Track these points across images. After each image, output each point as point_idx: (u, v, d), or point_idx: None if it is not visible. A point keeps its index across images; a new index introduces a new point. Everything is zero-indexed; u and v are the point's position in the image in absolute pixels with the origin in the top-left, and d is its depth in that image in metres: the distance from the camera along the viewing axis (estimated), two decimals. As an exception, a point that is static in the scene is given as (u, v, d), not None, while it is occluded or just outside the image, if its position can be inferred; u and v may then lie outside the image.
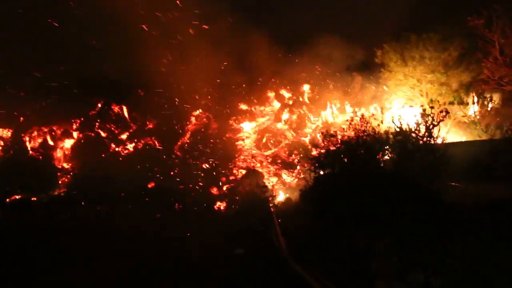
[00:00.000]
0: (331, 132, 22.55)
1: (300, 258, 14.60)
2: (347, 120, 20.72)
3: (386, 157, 18.56)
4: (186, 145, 35.88)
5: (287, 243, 16.56)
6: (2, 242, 18.33)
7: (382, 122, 18.65)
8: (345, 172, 17.65)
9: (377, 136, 17.88)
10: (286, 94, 40.96)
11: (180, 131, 37.00)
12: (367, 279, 12.49)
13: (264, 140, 36.24)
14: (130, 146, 36.55)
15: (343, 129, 26.32)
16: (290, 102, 40.05)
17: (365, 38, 39.60)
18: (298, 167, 33.42)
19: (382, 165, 17.97)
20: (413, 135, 16.99)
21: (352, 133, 19.21)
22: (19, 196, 33.27)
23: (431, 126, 16.82)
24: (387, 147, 18.15)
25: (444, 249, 12.14)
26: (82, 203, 30.35)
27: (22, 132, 38.18)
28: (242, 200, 27.64)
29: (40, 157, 37.34)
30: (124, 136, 37.32)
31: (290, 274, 13.36)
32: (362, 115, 19.31)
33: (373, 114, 21.83)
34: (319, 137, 35.99)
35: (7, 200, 32.83)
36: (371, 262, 13.01)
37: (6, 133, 38.82)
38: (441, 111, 17.96)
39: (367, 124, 18.33)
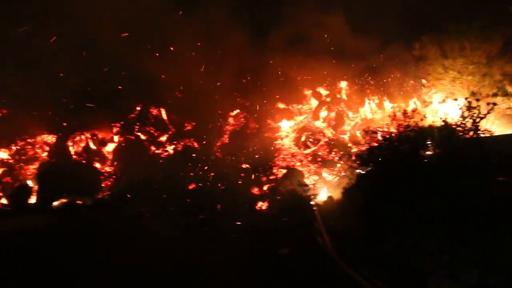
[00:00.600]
0: (371, 128, 22.27)
1: (346, 257, 14.44)
2: (389, 116, 20.36)
3: (429, 152, 18.17)
4: (225, 145, 36.00)
5: (332, 242, 16.39)
6: (49, 246, 18.67)
7: (425, 117, 18.23)
8: (389, 168, 17.33)
9: (421, 131, 17.48)
10: (323, 91, 40.61)
11: (219, 132, 37.15)
12: (417, 278, 12.25)
13: (303, 138, 36.00)
14: (170, 148, 36.91)
15: (384, 124, 26.01)
16: (328, 100, 39.68)
17: (402, 31, 39.04)
18: (339, 165, 33.05)
19: (426, 160, 17.57)
20: (459, 128, 16.56)
21: (394, 129, 18.88)
22: (65, 200, 34.04)
23: (477, 120, 16.36)
24: (431, 142, 17.77)
25: (496, 247, 11.79)
26: (124, 205, 30.75)
27: (65, 137, 39.06)
28: (283, 200, 27.50)
29: (84, 161, 38.19)
30: (163, 138, 37.73)
31: (337, 274, 13.20)
32: (405, 110, 18.96)
33: (416, 109, 21.38)
34: (358, 134, 35.63)
35: (53, 204, 33.66)
36: (421, 260, 12.75)
37: (51, 138, 39.83)
38: (488, 103, 17.42)
39: (410, 119, 17.95)
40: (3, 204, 33.93)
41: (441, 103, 28.87)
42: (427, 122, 18.37)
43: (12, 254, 16.89)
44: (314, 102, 39.97)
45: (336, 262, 14.27)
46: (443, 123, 17.25)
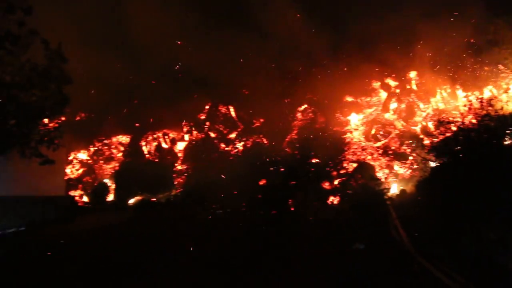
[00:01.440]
0: (445, 118, 21.42)
1: (424, 252, 14.04)
2: (465, 105, 19.50)
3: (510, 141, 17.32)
4: (294, 140, 35.96)
5: (408, 237, 15.99)
6: (125, 241, 19.31)
7: (507, 104, 17.30)
8: (467, 160, 16.64)
9: (501, 119, 16.64)
10: (392, 82, 39.60)
11: (287, 127, 37.15)
12: (500, 274, 11.74)
13: (373, 131, 35.35)
14: (239, 145, 37.33)
15: (457, 114, 24.93)
16: (397, 91, 38.67)
17: (474, 15, 37.36)
18: (411, 158, 32.18)
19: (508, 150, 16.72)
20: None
21: (470, 119, 18.09)
22: (140, 198, 35.24)
23: None
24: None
25: None
26: (196, 202, 31.37)
27: (139, 137, 40.44)
28: (355, 194, 27.10)
29: (156, 160, 39.40)
30: (232, 136, 38.21)
31: (416, 269, 12.86)
32: (482, 98, 18.12)
33: (495, 97, 20.37)
34: (431, 125, 34.51)
35: (129, 201, 34.93)
36: (505, 257, 12.20)
37: (125, 139, 41.37)
38: None
39: (488, 107, 17.11)
40: (84, 202, 35.67)
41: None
42: (507, 110, 17.41)
43: (93, 249, 17.65)
44: (383, 94, 39.08)
45: (414, 257, 13.91)
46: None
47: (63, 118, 20.27)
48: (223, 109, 39.47)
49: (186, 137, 39.84)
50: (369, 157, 33.41)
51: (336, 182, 31.09)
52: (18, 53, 15.55)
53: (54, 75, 16.45)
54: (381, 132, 35.09)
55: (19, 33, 14.92)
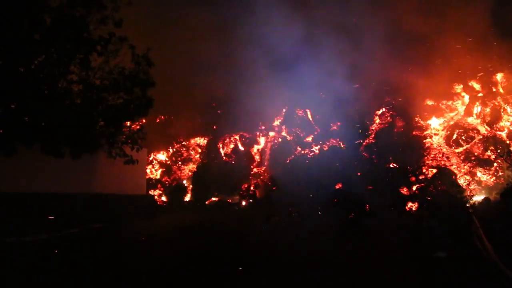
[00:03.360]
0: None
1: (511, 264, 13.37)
2: None
3: None
4: (371, 145, 35.36)
5: (493, 248, 15.29)
6: (203, 241, 19.74)
7: None
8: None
9: None
10: (475, 85, 37.94)
11: (365, 132, 36.59)
12: None
13: (454, 136, 34.05)
14: (316, 149, 37.20)
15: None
16: (481, 94, 36.99)
17: None
18: (496, 164, 30.74)
19: None
20: None
21: None
22: (216, 199, 36.00)
23: None
24: None
25: None
26: (272, 204, 31.60)
27: (216, 139, 41.27)
28: (435, 201, 26.30)
29: (233, 162, 40.04)
30: (309, 139, 38.13)
31: (504, 281, 12.28)
32: None
33: None
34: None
35: (207, 202, 35.76)
36: None
37: (203, 141, 42.39)
38: None
39: None
40: (163, 201, 36.91)
41: None
42: None
43: (173, 248, 18.20)
44: (465, 98, 37.52)
45: (501, 268, 13.27)
46: None
47: (144, 120, 21.17)
48: (300, 112, 39.49)
49: (263, 140, 40.21)
50: (449, 163, 32.22)
51: (414, 188, 30.26)
52: (107, 58, 16.43)
53: (140, 79, 17.19)
54: (463, 137, 33.71)
55: (109, 39, 15.76)
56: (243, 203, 34.22)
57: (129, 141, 19.33)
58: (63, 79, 15.24)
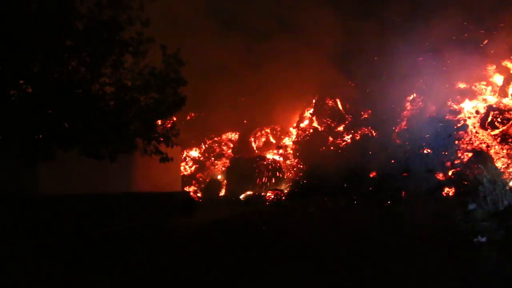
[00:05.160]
0: None
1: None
2: None
3: None
4: (404, 131, 34.97)
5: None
6: (239, 235, 19.94)
7: None
8: None
9: None
10: (510, 65, 37.01)
11: (396, 118, 36.23)
12: None
13: (489, 118, 33.34)
14: (348, 138, 37.03)
15: None
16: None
17: None
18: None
19: None
20: None
21: None
22: (251, 192, 36.24)
23: None
24: None
25: None
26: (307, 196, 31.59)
27: (247, 133, 41.50)
28: (472, 185, 25.85)
29: (265, 155, 40.24)
30: (340, 128, 37.99)
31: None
32: None
33: None
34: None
35: (241, 196, 36.03)
36: None
37: (234, 136, 42.70)
38: None
39: None
40: (198, 197, 37.39)
41: None
42: None
43: (211, 242, 18.47)
44: (499, 78, 36.66)
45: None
46: None
47: (174, 118, 21.41)
48: (330, 102, 39.34)
49: (294, 131, 40.24)
50: (486, 146, 31.61)
51: (450, 173, 29.84)
52: (138, 59, 16.65)
53: (171, 79, 17.37)
54: (499, 119, 32.99)
55: (139, 40, 15.97)
56: (277, 196, 34.29)
57: (162, 139, 19.56)
58: (96, 82, 15.52)
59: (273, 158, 39.16)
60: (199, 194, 38.43)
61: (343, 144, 36.78)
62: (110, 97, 16.93)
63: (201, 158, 42.50)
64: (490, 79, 36.79)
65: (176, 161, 25.45)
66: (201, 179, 40.62)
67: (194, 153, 42.76)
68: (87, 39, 14.91)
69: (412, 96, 37.27)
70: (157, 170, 23.33)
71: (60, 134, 14.60)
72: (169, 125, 20.20)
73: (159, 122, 19.85)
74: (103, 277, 12.77)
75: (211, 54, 40.71)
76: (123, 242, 18.67)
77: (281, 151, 40.24)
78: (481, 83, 36.58)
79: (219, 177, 40.30)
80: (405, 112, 36.74)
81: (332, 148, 36.69)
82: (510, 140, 31.17)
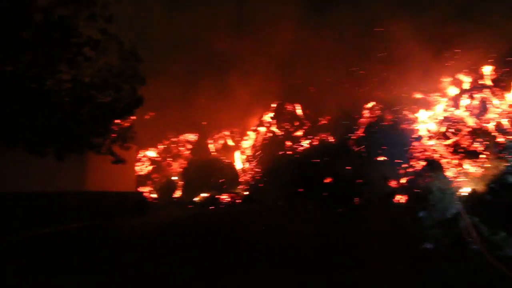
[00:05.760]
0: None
1: (499, 255, 13.60)
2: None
3: None
4: (360, 138, 35.57)
5: (481, 238, 15.51)
6: (193, 236, 19.81)
7: None
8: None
9: None
10: (464, 78, 38.19)
11: (354, 125, 36.82)
12: None
13: (442, 129, 34.28)
14: (305, 143, 37.36)
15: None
16: (468, 87, 37.23)
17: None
18: (483, 156, 31.01)
19: None
20: None
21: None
22: (207, 194, 36.02)
23: None
24: None
25: None
26: (263, 199, 31.71)
27: (205, 135, 41.34)
28: (423, 193, 26.48)
29: (223, 157, 40.15)
30: (299, 133, 38.30)
31: (490, 271, 12.49)
32: None
33: None
34: (505, 122, 33.15)
35: (196, 198, 35.78)
36: None
37: (192, 137, 42.45)
38: None
39: None
40: (153, 198, 36.95)
41: None
42: None
43: (163, 241, 18.27)
44: (454, 90, 37.76)
45: (487, 258, 13.48)
46: None
47: (133, 118, 21.06)
48: (289, 107, 39.62)
49: (253, 135, 40.32)
50: (438, 155, 32.48)
51: (403, 180, 30.52)
52: (97, 57, 16.32)
53: (128, 76, 17.11)
54: (451, 130, 33.96)
55: (98, 38, 15.66)
56: (233, 199, 34.26)
57: (118, 139, 19.21)
58: (51, 78, 15.11)
59: (230, 161, 39.14)
60: (154, 195, 37.98)
61: (300, 149, 37.09)
62: (65, 93, 16.52)
63: (158, 159, 42.06)
64: (445, 91, 37.83)
65: (131, 161, 25.16)
66: (156, 179, 40.20)
67: (151, 153, 42.27)
68: (44, 33, 14.51)
69: (370, 104, 37.93)
70: (112, 170, 22.88)
71: (5, 131, 14.10)
72: (127, 125, 19.89)
73: (117, 121, 19.50)
74: (39, 278, 12.39)
75: (172, 55, 40.50)
76: (66, 243, 18.12)
77: (239, 154, 40.28)
78: (436, 94, 37.57)
79: (175, 178, 39.94)
80: (363, 119, 37.34)
81: (289, 152, 36.91)
82: (460, 150, 32.09)
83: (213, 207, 30.75)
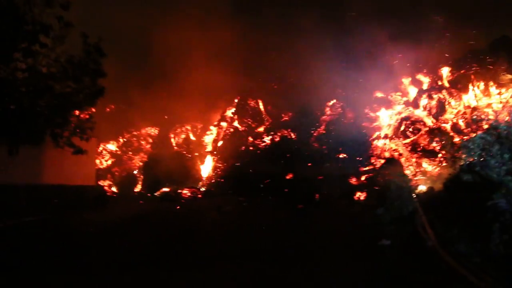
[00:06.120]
0: (476, 116, 21.14)
1: (451, 250, 13.96)
2: (500, 102, 19.20)
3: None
4: (322, 135, 35.90)
5: (435, 235, 15.89)
6: (151, 231, 19.62)
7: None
8: (498, 158, 16.41)
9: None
10: (423, 78, 39.07)
11: (316, 122, 37.13)
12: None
13: (402, 127, 34.95)
14: (267, 139, 37.46)
15: (490, 112, 24.45)
16: (425, 87, 38.13)
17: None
18: (440, 155, 31.78)
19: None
20: None
21: (505, 116, 17.82)
22: (167, 189, 35.69)
23: None
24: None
25: None
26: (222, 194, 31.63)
27: (167, 129, 40.94)
28: (382, 190, 26.94)
29: (184, 152, 39.84)
30: (261, 129, 38.37)
31: (442, 267, 12.81)
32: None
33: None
34: (461, 122, 34.02)
35: (157, 193, 35.43)
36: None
37: (154, 131, 41.97)
38: None
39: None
40: (113, 192, 36.38)
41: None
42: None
43: (121, 238, 18.03)
44: (413, 90, 38.59)
45: (441, 255, 13.83)
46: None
47: (93, 110, 20.69)
48: (252, 103, 39.62)
49: (215, 130, 40.17)
50: (397, 153, 33.10)
51: (363, 177, 30.97)
52: (54, 45, 15.93)
53: (90, 68, 16.80)
54: (410, 129, 34.63)
55: (54, 25, 15.28)
56: (194, 194, 34.03)
57: (78, 130, 18.84)
58: (6, 67, 14.66)
59: (190, 155, 38.89)
60: (114, 189, 37.42)
61: (262, 144, 37.17)
62: (21, 82, 16.10)
63: (119, 152, 41.43)
64: (405, 90, 38.60)
65: (91, 154, 24.64)
66: (117, 173, 39.62)
67: (112, 146, 41.61)
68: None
69: (332, 102, 38.31)
70: (70, 162, 22.45)
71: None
72: (87, 116, 19.52)
73: (77, 112, 19.15)
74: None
75: (135, 47, 40.00)
76: (13, 238, 17.59)
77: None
78: (397, 93, 38.28)
79: (135, 172, 39.46)
80: (324, 116, 37.69)
81: (251, 148, 36.95)
82: (419, 149, 32.77)
83: (173, 202, 30.44)
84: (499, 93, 34.93)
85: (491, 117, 19.83)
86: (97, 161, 37.02)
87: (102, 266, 13.32)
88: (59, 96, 16.76)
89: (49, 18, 15.27)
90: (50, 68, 16.35)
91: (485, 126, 18.63)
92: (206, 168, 38.32)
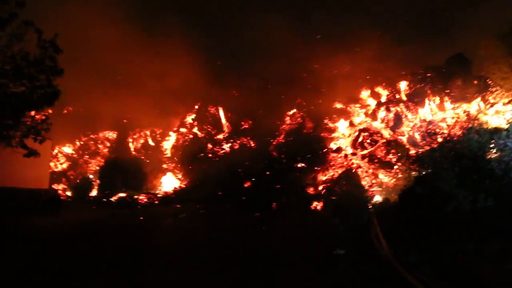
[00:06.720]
0: (430, 130, 21.65)
1: (402, 260, 14.20)
2: (452, 117, 19.77)
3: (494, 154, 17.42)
4: (281, 144, 36.06)
5: (388, 245, 16.15)
6: (107, 237, 19.26)
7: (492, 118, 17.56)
8: (449, 171, 16.79)
9: (486, 133, 16.84)
10: (382, 91, 39.83)
11: (275, 131, 37.29)
12: (476, 285, 11.90)
13: (360, 139, 35.46)
14: (226, 146, 37.39)
15: (444, 126, 25.14)
16: (384, 100, 38.89)
17: (466, 29, 37.98)
18: (396, 167, 32.36)
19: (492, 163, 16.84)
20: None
21: (456, 131, 18.32)
22: (124, 195, 35.01)
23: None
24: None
25: None
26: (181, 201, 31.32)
27: (125, 134, 40.33)
28: (339, 200, 27.24)
29: (143, 157, 39.30)
30: (220, 137, 38.28)
31: (394, 277, 13.01)
32: (468, 112, 18.39)
33: (481, 111, 20.67)
34: (417, 135, 34.77)
35: (113, 198, 34.71)
36: (481, 267, 12.38)
37: (112, 135, 41.26)
38: None
39: (474, 120, 17.33)
40: (67, 196, 35.45)
41: (506, 104, 27.68)
42: (492, 124, 17.58)
43: (76, 244, 17.60)
44: (372, 103, 39.28)
45: (392, 264, 14.07)
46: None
47: (50, 111, 20.10)
48: (212, 110, 39.51)
49: (174, 135, 39.84)
50: (355, 164, 33.52)
51: (320, 187, 31.21)
52: (9, 42, 15.42)
53: (46, 66, 16.30)
54: (368, 140, 35.16)
55: (9, 22, 14.80)
56: (150, 200, 33.53)
57: (32, 131, 18.20)
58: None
59: (148, 161, 38.39)
60: (68, 193, 36.50)
61: (221, 152, 37.08)
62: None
63: (75, 155, 40.52)
64: (364, 102, 39.24)
65: (45, 157, 23.95)
66: (72, 177, 38.70)
67: (68, 149, 40.66)
68: None
69: (292, 111, 38.59)
70: (23, 165, 21.65)
71: None
72: (42, 118, 18.93)
73: (32, 113, 18.55)
74: None
75: (94, 49, 39.39)
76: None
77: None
78: (356, 105, 38.85)
79: (91, 176, 38.62)
80: (284, 126, 37.91)
81: (210, 155, 36.80)
82: (376, 160, 33.27)
83: (129, 208, 29.95)
84: (453, 108, 35.93)
85: (444, 131, 20.42)
86: (52, 164, 36.02)
87: (47, 274, 12.96)
88: (11, 95, 16.20)
89: (4, 14, 14.78)
90: (4, 66, 15.80)
91: (439, 140, 19.04)
92: (164, 174, 37.88)
